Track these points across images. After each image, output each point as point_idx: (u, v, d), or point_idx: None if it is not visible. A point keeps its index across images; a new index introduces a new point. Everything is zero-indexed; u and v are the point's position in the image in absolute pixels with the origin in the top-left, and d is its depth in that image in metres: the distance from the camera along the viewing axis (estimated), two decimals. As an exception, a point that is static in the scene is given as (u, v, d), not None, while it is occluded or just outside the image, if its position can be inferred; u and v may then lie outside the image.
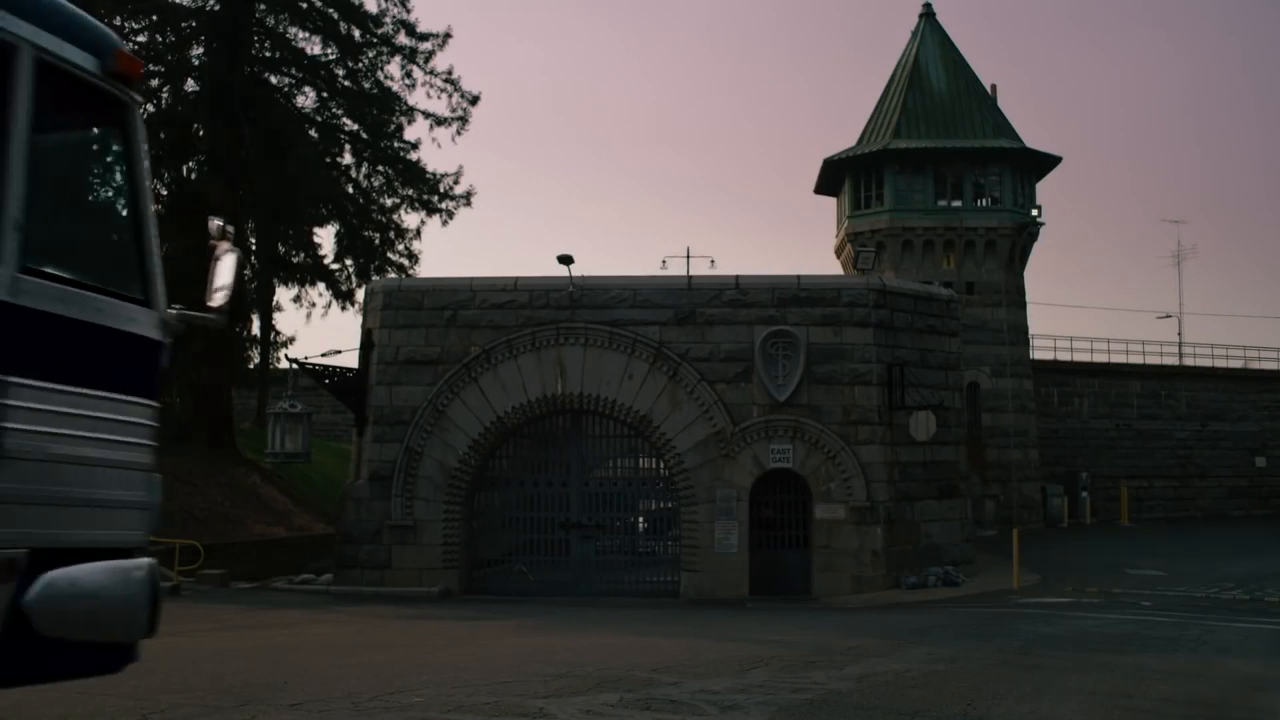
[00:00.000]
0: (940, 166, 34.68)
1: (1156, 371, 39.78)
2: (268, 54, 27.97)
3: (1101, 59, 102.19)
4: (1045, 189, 64.77)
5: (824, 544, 19.81)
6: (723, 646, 9.77)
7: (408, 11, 27.70)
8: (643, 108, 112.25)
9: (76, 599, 3.69)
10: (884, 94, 36.87)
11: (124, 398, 4.10)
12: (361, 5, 27.37)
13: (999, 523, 30.62)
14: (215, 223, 4.61)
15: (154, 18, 26.10)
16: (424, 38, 27.63)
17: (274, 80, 28.24)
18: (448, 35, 27.89)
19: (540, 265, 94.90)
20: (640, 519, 21.33)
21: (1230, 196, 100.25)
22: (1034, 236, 35.49)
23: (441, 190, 28.28)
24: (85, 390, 3.88)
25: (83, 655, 3.86)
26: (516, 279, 20.30)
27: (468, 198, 28.49)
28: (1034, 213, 35.38)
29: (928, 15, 37.46)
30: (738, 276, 20.49)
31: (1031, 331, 35.88)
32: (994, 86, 37.03)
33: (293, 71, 28.18)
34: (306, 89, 28.82)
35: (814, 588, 19.66)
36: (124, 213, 4.38)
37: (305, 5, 27.31)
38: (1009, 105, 55.09)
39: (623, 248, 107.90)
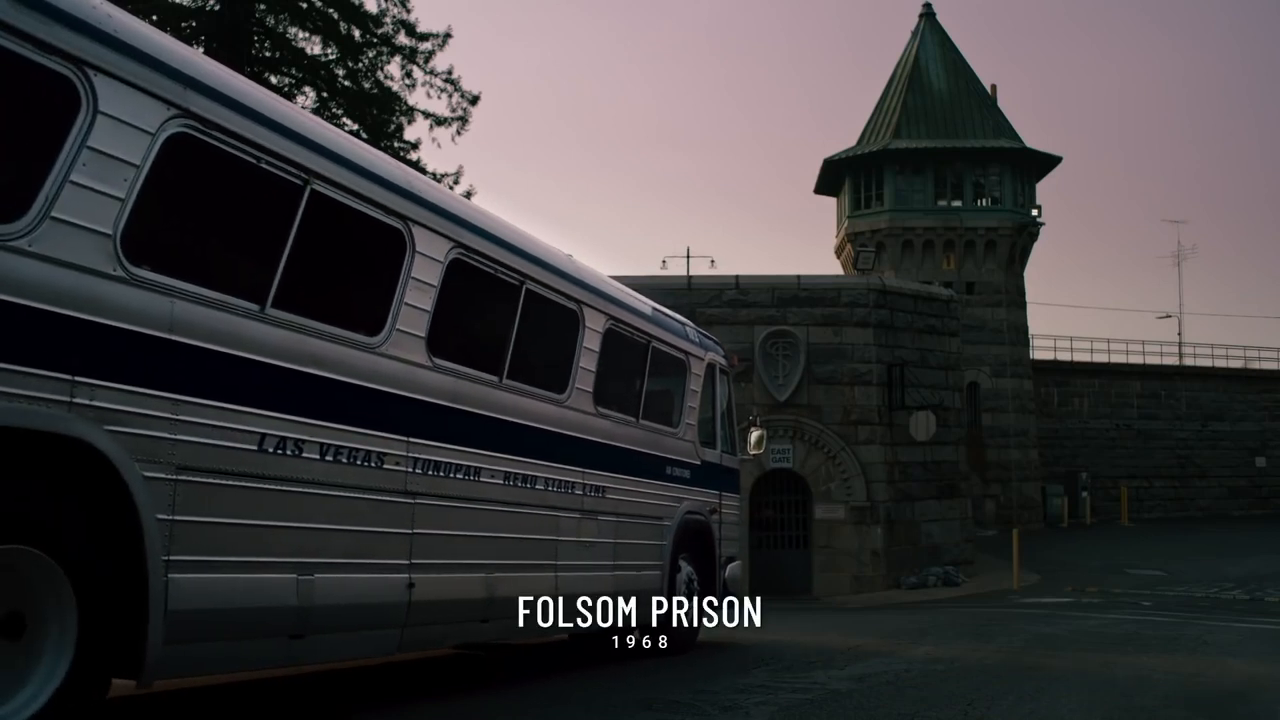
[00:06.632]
0: (940, 166, 34.69)
1: (1156, 371, 39.78)
2: (268, 54, 27.96)
3: (1101, 59, 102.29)
4: (1045, 189, 64.72)
5: (824, 544, 19.82)
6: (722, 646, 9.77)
7: (408, 11, 27.68)
8: (643, 108, 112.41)
9: (734, 577, 9.48)
10: (884, 94, 36.88)
11: (736, 496, 9.97)
12: (361, 5, 27.36)
13: (999, 523, 30.62)
14: (754, 428, 10.40)
15: (154, 18, 26.06)
16: (424, 38, 27.62)
17: (274, 80, 28.20)
18: (448, 35, 27.87)
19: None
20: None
21: (1230, 196, 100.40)
22: (1034, 236, 35.51)
23: (441, 191, 28.31)
24: (731, 494, 9.76)
25: (737, 601, 8.81)
26: (517, 279, 20.37)
27: (467, 198, 28.48)
28: (1034, 213, 35.41)
29: (928, 15, 37.47)
30: (738, 276, 20.48)
31: (1031, 331, 35.95)
32: (994, 86, 37.06)
33: (293, 71, 28.17)
34: (306, 89, 28.80)
35: (814, 588, 19.67)
36: (725, 413, 9.80)
37: (305, 5, 27.31)
38: (1009, 105, 55.09)
39: (623, 248, 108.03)
